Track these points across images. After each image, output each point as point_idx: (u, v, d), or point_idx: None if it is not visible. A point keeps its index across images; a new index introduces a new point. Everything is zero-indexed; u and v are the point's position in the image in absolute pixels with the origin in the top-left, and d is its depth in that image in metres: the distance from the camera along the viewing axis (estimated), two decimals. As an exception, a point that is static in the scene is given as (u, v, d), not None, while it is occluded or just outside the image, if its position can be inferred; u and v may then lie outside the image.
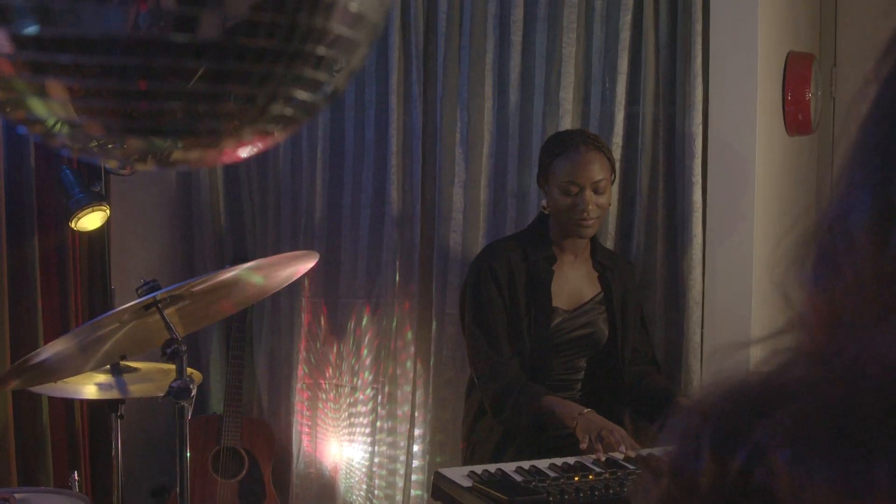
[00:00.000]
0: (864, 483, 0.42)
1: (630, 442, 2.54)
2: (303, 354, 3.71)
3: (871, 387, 0.44)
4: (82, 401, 3.27)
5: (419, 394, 3.55)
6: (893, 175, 0.47)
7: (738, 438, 0.46)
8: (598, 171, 2.82)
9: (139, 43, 0.78)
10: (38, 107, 0.83)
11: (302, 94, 0.87)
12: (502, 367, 2.82)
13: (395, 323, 3.58)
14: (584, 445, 2.53)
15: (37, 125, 0.86)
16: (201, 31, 0.78)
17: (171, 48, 0.78)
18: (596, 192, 2.82)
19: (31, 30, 0.77)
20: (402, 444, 3.58)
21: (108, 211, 3.13)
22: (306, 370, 3.72)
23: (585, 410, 2.65)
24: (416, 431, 3.55)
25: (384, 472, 3.61)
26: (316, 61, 0.84)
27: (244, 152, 0.92)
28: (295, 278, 2.60)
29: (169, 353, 2.18)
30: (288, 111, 0.87)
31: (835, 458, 0.43)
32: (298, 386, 3.72)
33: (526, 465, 2.43)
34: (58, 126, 0.85)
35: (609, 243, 3.24)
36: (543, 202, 2.93)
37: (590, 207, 2.80)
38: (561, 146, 2.85)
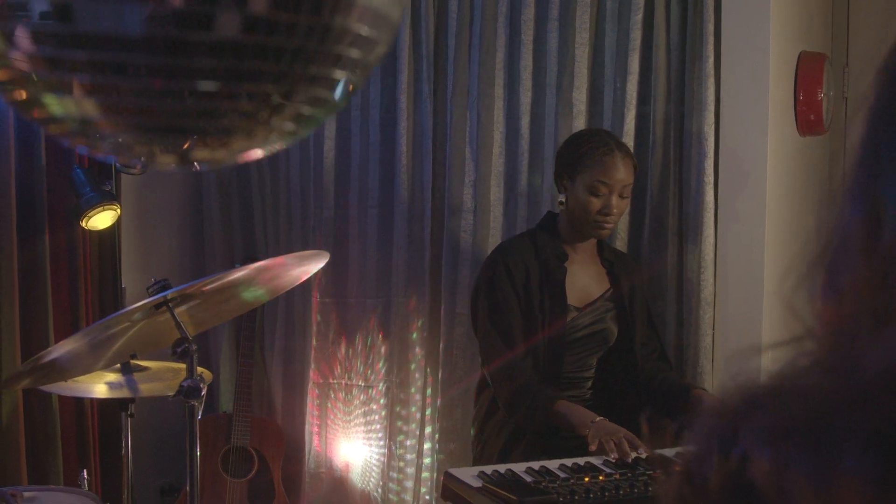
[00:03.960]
0: (832, 471, 0.44)
1: (644, 447, 2.52)
2: (313, 354, 3.71)
3: (855, 388, 0.47)
4: (92, 400, 3.27)
5: (429, 394, 3.55)
6: (879, 186, 0.51)
7: (735, 439, 0.49)
8: (627, 175, 2.81)
9: (159, 41, 0.78)
10: (56, 105, 0.83)
11: (322, 93, 0.87)
12: (517, 368, 2.81)
13: (404, 323, 3.58)
14: (593, 447, 2.53)
15: (55, 123, 0.86)
16: (221, 30, 0.78)
17: (192, 47, 0.78)
18: (621, 195, 2.82)
19: (50, 28, 0.77)
20: (412, 443, 3.58)
21: (118, 210, 3.13)
22: (316, 370, 3.72)
23: (598, 419, 2.63)
24: (426, 431, 3.55)
25: (394, 472, 3.61)
26: (336, 60, 0.84)
27: (264, 151, 0.92)
28: (305, 278, 2.60)
29: (179, 352, 2.18)
30: (308, 110, 0.87)
31: (808, 449, 0.46)
32: (309, 386, 3.72)
33: (536, 465, 2.43)
34: (76, 124, 0.85)
35: (619, 243, 3.23)
36: (562, 198, 2.90)
37: (614, 210, 2.80)
38: (593, 145, 2.82)
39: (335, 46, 0.82)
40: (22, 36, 0.78)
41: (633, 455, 2.48)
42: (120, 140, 0.86)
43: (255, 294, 2.52)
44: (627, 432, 2.56)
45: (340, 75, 0.86)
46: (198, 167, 0.91)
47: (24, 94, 0.83)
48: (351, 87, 0.89)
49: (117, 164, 3.22)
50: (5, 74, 0.83)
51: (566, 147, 2.92)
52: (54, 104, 0.82)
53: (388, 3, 0.85)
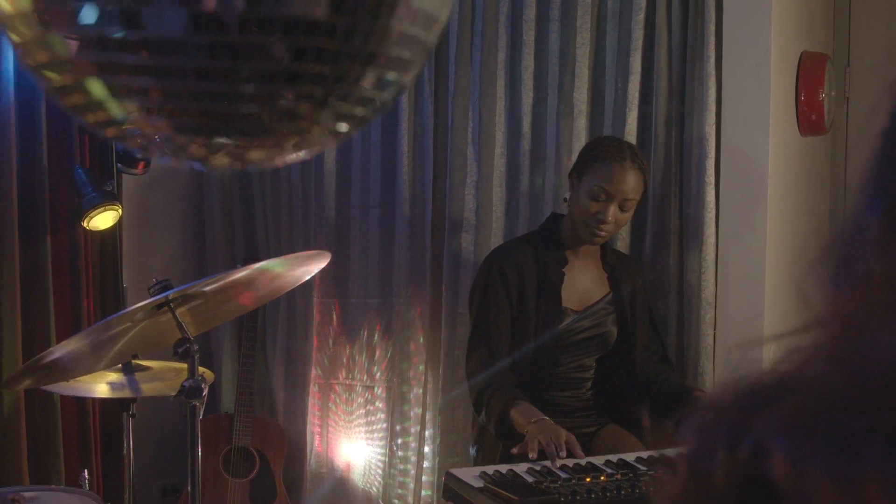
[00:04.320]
0: (856, 470, 0.43)
1: (576, 451, 2.45)
2: (315, 354, 3.71)
3: (871, 380, 0.46)
4: (94, 400, 3.28)
5: (430, 395, 3.55)
6: None
7: (745, 431, 0.48)
8: (632, 189, 2.79)
9: (218, 45, 0.78)
10: (116, 109, 0.83)
11: (374, 94, 0.88)
12: (494, 370, 2.82)
13: (406, 323, 3.58)
14: (524, 449, 2.45)
15: (113, 126, 0.86)
16: (280, 34, 0.79)
17: (251, 51, 0.79)
18: (622, 208, 2.80)
19: (111, 32, 0.78)
20: (413, 444, 3.58)
21: (120, 210, 3.14)
22: (318, 370, 3.72)
23: (541, 418, 2.58)
24: (427, 432, 3.54)
25: (395, 473, 3.61)
26: (390, 62, 0.85)
27: (314, 151, 0.93)
28: (307, 278, 2.60)
29: (181, 352, 2.18)
30: (360, 110, 0.89)
31: (829, 446, 0.45)
32: (310, 386, 3.72)
33: (537, 465, 2.42)
34: (134, 127, 0.86)
35: (621, 244, 3.23)
36: (567, 195, 2.91)
37: (609, 219, 2.78)
38: (606, 151, 2.81)
39: (391, 49, 0.84)
40: (83, 40, 0.79)
41: (560, 460, 2.40)
42: (176, 142, 0.87)
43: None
44: (570, 435, 2.50)
45: (393, 76, 0.87)
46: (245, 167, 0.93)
47: (82, 98, 0.84)
48: (400, 86, 0.90)
49: (118, 164, 3.23)
50: (66, 79, 0.84)
51: (584, 147, 2.94)
52: (114, 107, 0.83)
53: (438, 3, 0.86)
